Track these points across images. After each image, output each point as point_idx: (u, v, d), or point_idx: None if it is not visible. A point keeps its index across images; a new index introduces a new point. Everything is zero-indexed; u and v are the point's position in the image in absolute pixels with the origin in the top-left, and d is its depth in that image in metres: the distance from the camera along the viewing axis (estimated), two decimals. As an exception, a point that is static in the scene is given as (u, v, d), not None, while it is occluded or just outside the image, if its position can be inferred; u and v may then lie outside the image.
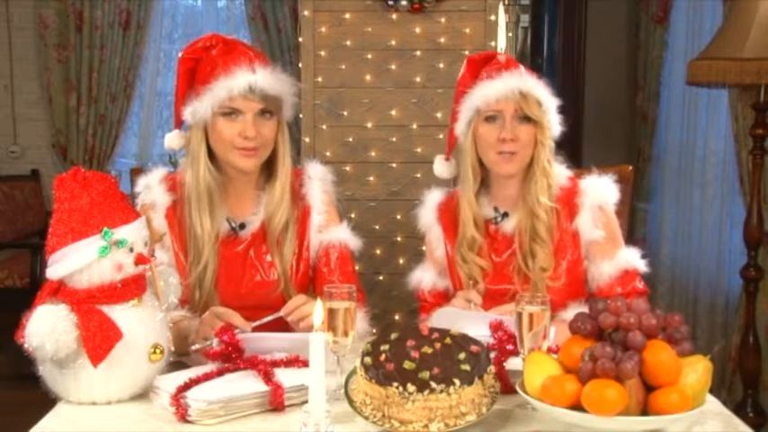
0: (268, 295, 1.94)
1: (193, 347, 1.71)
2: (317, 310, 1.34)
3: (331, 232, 2.02)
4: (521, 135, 1.91)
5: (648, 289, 1.98)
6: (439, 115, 3.03)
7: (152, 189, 1.96)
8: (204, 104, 1.87)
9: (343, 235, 2.03)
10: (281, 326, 1.83)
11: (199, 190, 1.90)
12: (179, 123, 1.97)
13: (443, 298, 2.04)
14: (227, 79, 1.86)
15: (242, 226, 1.96)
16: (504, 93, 1.91)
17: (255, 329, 1.76)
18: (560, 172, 1.99)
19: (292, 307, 1.82)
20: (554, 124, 1.97)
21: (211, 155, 1.93)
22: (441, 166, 2.09)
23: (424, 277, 2.07)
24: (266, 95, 1.88)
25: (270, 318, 1.80)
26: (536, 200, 1.94)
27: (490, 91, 1.93)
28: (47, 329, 1.44)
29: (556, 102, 1.97)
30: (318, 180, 2.03)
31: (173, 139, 1.98)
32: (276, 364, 1.59)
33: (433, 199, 2.09)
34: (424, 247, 2.13)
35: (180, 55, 1.95)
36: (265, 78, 1.88)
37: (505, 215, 2.00)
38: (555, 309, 1.85)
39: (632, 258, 1.96)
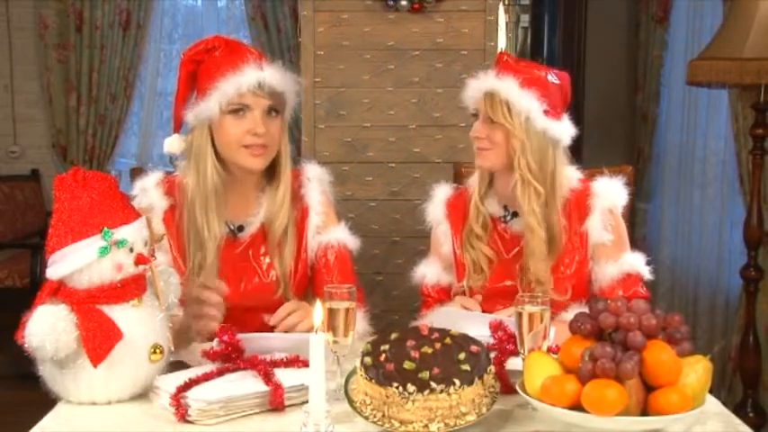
0: (267, 297, 1.94)
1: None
2: (317, 311, 1.34)
3: (329, 233, 2.01)
4: (491, 134, 1.91)
5: (650, 294, 1.96)
6: (438, 115, 3.03)
7: (148, 192, 1.94)
8: (212, 103, 1.85)
9: (342, 235, 2.02)
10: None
11: (206, 190, 1.88)
12: (178, 127, 1.95)
13: (447, 294, 2.04)
14: (235, 75, 1.84)
15: (240, 228, 1.96)
16: (473, 92, 1.95)
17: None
18: (571, 174, 1.98)
19: (279, 318, 1.81)
20: (544, 128, 1.89)
21: (216, 157, 1.91)
22: None
23: (429, 272, 2.06)
24: (274, 92, 1.88)
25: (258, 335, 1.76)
26: (523, 209, 1.91)
27: (468, 89, 1.97)
28: (47, 329, 1.44)
29: (540, 105, 1.88)
30: (317, 181, 2.03)
31: (173, 144, 1.94)
32: (276, 364, 1.59)
33: (441, 194, 2.08)
34: (425, 244, 2.12)
35: (182, 57, 1.93)
36: (273, 75, 1.88)
37: (515, 215, 1.99)
38: (558, 309, 1.85)
39: (636, 263, 1.96)
